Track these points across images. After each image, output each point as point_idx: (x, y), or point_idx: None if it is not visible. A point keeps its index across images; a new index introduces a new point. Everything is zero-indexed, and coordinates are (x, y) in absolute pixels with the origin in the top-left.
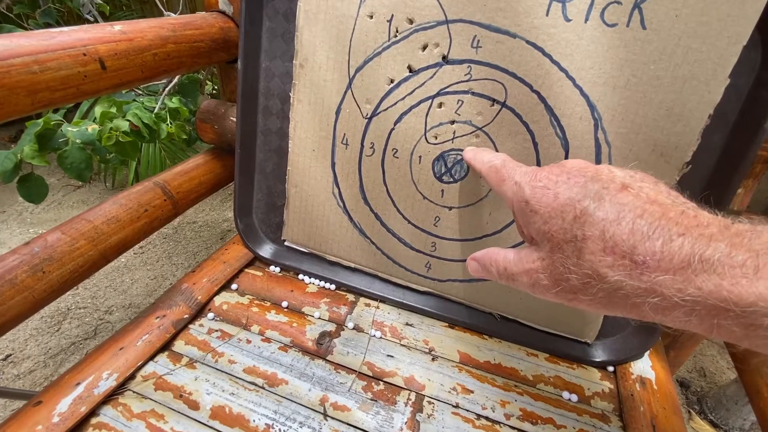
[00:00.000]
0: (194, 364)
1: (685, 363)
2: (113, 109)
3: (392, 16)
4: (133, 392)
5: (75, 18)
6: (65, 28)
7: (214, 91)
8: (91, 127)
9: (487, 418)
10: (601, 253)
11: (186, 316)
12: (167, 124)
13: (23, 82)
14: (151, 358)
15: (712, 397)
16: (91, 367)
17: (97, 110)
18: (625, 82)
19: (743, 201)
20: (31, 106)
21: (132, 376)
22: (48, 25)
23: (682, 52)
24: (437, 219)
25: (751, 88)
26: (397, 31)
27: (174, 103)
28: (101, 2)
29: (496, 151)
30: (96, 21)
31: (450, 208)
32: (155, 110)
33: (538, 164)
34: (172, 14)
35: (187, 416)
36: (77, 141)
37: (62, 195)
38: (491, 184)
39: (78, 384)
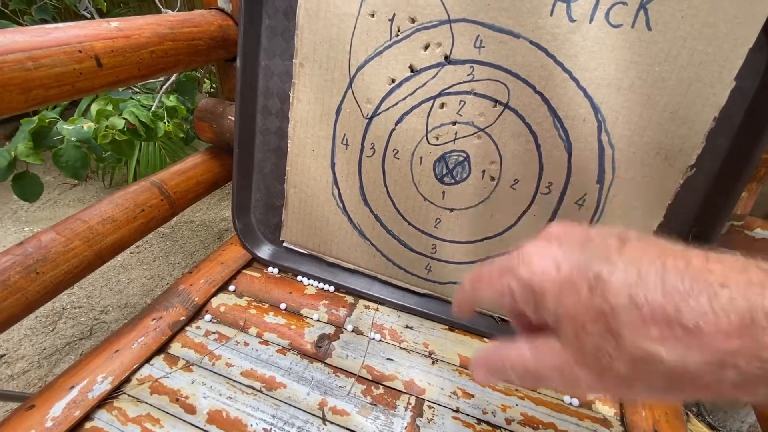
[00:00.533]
0: (191, 367)
1: None
2: (110, 107)
3: (394, 14)
4: (129, 396)
5: (72, 15)
6: (60, 24)
7: (212, 89)
8: (87, 125)
9: (488, 423)
10: (641, 326)
11: (183, 318)
12: (164, 123)
13: (16, 79)
14: (147, 360)
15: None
16: (85, 370)
17: (93, 108)
18: (629, 84)
19: (747, 205)
20: (25, 104)
21: (127, 380)
22: (44, 22)
23: (687, 53)
24: (438, 221)
25: (756, 90)
26: (398, 30)
27: (171, 101)
28: None
29: (499, 152)
30: (93, 18)
31: (451, 210)
32: (152, 108)
33: (541, 166)
34: (170, 11)
35: (184, 420)
36: (73, 139)
37: (58, 193)
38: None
39: (72, 387)
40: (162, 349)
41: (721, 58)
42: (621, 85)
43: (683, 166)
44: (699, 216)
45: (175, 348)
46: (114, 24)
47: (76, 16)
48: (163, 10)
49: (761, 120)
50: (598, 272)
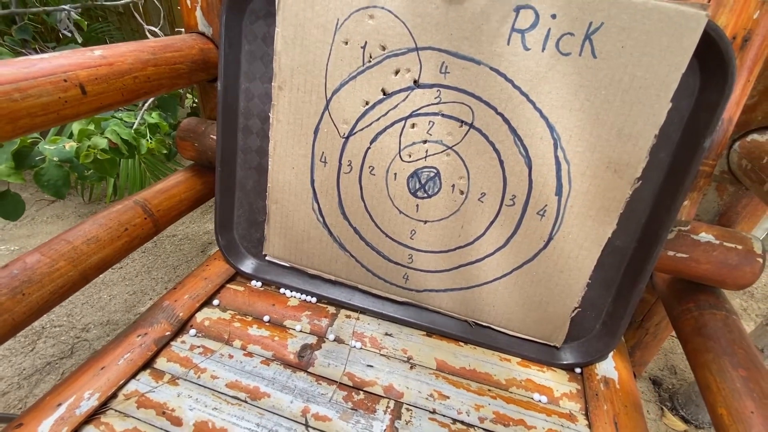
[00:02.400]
0: (176, 380)
1: (657, 361)
2: (91, 126)
3: (366, 42)
4: (116, 411)
5: (49, 31)
6: (45, 55)
7: (194, 105)
8: (69, 145)
9: (462, 422)
10: None
11: (168, 333)
12: (147, 140)
13: (4, 110)
14: (133, 376)
15: (682, 393)
16: (72, 387)
17: (75, 127)
18: (579, 105)
19: (690, 212)
20: (12, 133)
21: (114, 395)
22: (24, 42)
23: (629, 78)
24: (413, 232)
25: (691, 110)
26: (370, 57)
27: (153, 118)
28: (78, 18)
29: (466, 168)
30: (73, 36)
31: (425, 222)
32: (134, 126)
33: (505, 180)
34: (155, 28)
35: None
36: (55, 159)
37: (35, 210)
38: None
39: (59, 405)
40: (148, 364)
41: (658, 82)
42: (572, 107)
43: (631, 179)
44: (647, 223)
45: (161, 363)
46: (98, 52)
47: (53, 33)
48: (146, 27)
49: (697, 136)
50: None
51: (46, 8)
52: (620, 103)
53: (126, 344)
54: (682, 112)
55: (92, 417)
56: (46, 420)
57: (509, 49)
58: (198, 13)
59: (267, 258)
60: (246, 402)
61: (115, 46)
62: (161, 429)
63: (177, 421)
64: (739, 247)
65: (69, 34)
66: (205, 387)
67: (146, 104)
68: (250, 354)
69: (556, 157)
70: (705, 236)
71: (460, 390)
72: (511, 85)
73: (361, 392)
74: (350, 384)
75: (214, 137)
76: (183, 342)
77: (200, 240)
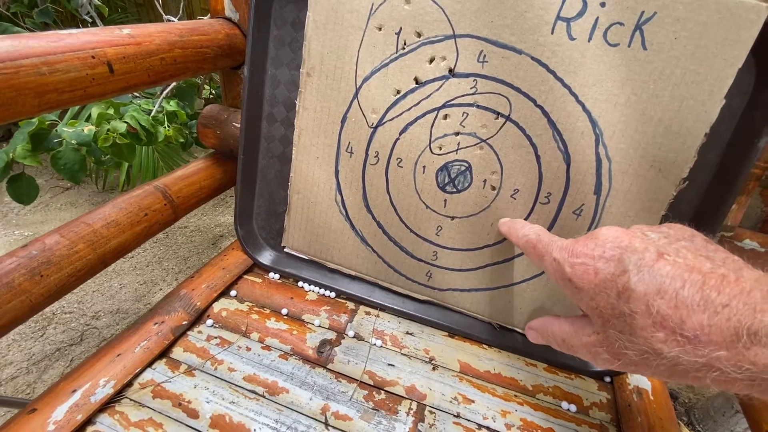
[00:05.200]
0: (193, 371)
1: None
2: (110, 111)
3: (401, 28)
4: (131, 400)
5: (70, 18)
6: (74, 30)
7: (212, 96)
8: (88, 128)
9: (488, 428)
10: (651, 329)
11: (185, 322)
12: (165, 127)
13: (31, 83)
14: (149, 365)
15: (699, 408)
16: (87, 373)
17: (94, 111)
18: (625, 100)
19: (737, 216)
20: (38, 108)
21: (129, 384)
22: (45, 25)
23: (680, 72)
24: (439, 228)
25: (744, 108)
26: (405, 44)
27: (172, 106)
28: (100, 3)
29: (500, 163)
30: (94, 22)
31: (452, 218)
32: (152, 113)
33: (540, 177)
34: (172, 18)
35: (186, 425)
36: (73, 142)
37: (50, 196)
38: (529, 257)
39: (74, 391)
40: (164, 353)
41: (712, 77)
42: (618, 101)
43: (676, 179)
44: (691, 226)
45: (177, 352)
46: (126, 31)
47: (74, 20)
48: (164, 17)
49: (749, 137)
50: (627, 282)
51: None
52: (669, 98)
53: (143, 332)
54: (735, 110)
55: (107, 405)
56: (61, 406)
57: (553, 38)
58: None
59: (286, 250)
60: (264, 397)
61: (143, 26)
62: (177, 420)
63: (194, 414)
64: None
65: (89, 20)
66: (222, 379)
67: (165, 92)
68: (267, 347)
69: (597, 154)
70: (749, 243)
71: (485, 394)
72: (553, 76)
73: (383, 392)
74: (371, 383)
75: (237, 125)
76: (200, 332)
77: (211, 232)
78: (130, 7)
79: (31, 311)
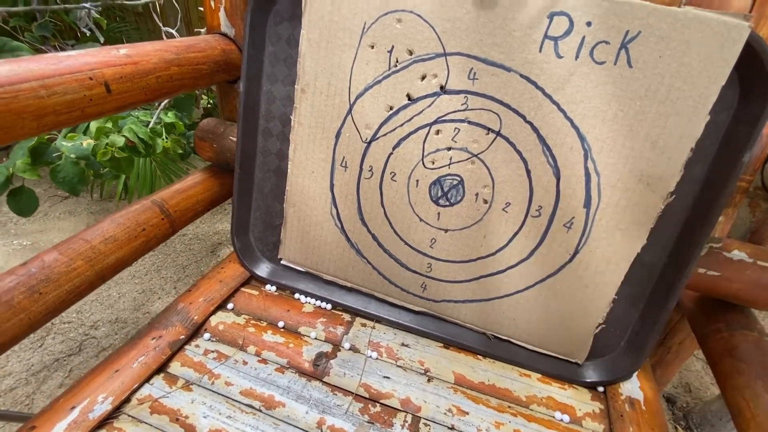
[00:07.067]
0: (190, 386)
1: (676, 374)
2: (109, 124)
3: (393, 46)
4: (129, 416)
5: (69, 29)
6: (72, 52)
7: (209, 105)
8: (86, 142)
9: None
10: None
11: (182, 336)
12: (163, 139)
13: (30, 106)
14: (147, 380)
15: (697, 412)
16: (86, 390)
17: (93, 125)
18: (613, 116)
19: (724, 228)
20: (37, 130)
21: (127, 399)
22: (44, 38)
23: (665, 89)
24: (433, 241)
25: (729, 123)
26: (397, 61)
27: (170, 117)
28: (98, 16)
29: (491, 177)
30: (93, 34)
31: (446, 231)
32: (150, 125)
33: (531, 191)
34: (170, 30)
35: None
36: (72, 155)
37: (48, 206)
38: None
39: (73, 408)
40: (162, 368)
41: (696, 94)
42: (605, 117)
43: (664, 193)
44: (679, 239)
45: (175, 367)
46: (123, 51)
47: (71, 31)
48: (163, 29)
49: (735, 151)
50: None
51: (66, 6)
52: (655, 114)
53: (140, 347)
54: (720, 125)
55: (105, 421)
56: (60, 423)
57: (541, 56)
58: (221, 14)
59: (282, 262)
60: (260, 411)
61: (140, 45)
62: None
63: (191, 429)
64: None
65: (88, 32)
66: (219, 394)
67: (162, 103)
68: (264, 360)
69: (586, 168)
70: (738, 254)
71: (479, 406)
72: (542, 93)
73: (378, 404)
74: (366, 395)
75: (233, 139)
76: (197, 346)
77: (210, 240)
78: (128, 16)
79: (30, 329)
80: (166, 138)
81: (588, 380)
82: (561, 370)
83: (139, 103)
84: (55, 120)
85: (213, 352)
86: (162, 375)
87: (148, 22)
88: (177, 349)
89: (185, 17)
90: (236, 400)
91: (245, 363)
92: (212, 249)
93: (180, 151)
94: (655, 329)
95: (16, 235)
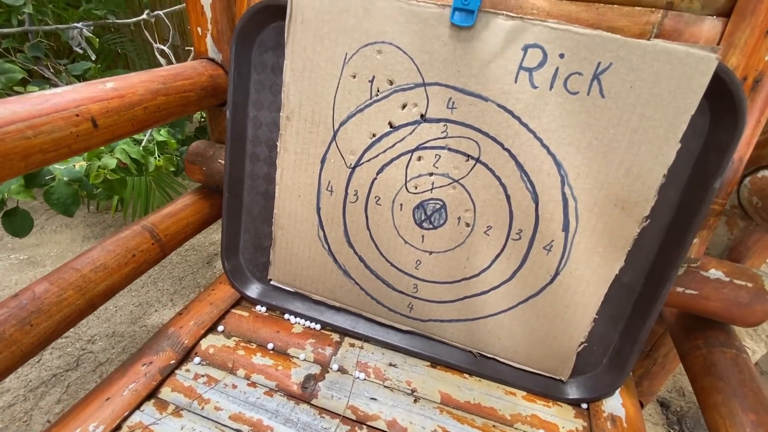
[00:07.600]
0: (180, 412)
1: (664, 383)
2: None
3: (374, 76)
4: None
5: (62, 49)
6: (58, 90)
7: (203, 119)
8: (79, 165)
9: None
10: None
11: (173, 362)
12: (155, 158)
13: (17, 148)
14: (138, 407)
15: (691, 417)
16: (78, 419)
17: None
18: (587, 144)
19: (699, 250)
20: (24, 169)
21: (118, 427)
22: (36, 59)
23: (637, 118)
24: (418, 262)
25: (700, 151)
26: (378, 91)
27: (162, 135)
28: (90, 35)
29: (472, 201)
30: (86, 53)
31: (430, 253)
32: (143, 143)
33: (511, 214)
34: (164, 47)
35: None
36: (65, 178)
37: (45, 219)
38: None
39: None
40: (152, 394)
41: (667, 122)
42: (580, 145)
43: (639, 217)
44: (656, 261)
45: (165, 393)
46: (110, 85)
47: (65, 50)
48: (155, 46)
49: (706, 177)
50: None
51: (59, 26)
52: (628, 142)
53: (131, 373)
54: (692, 152)
55: None
56: None
57: (517, 87)
58: (208, 40)
59: (272, 283)
60: None
61: (127, 77)
62: None
63: None
64: (750, 284)
65: (81, 51)
66: (208, 419)
67: None
68: (253, 384)
69: (563, 194)
70: (715, 273)
71: (464, 426)
72: (518, 122)
73: (365, 427)
74: (353, 418)
75: (222, 162)
76: (187, 371)
77: (206, 251)
78: (123, 28)
79: (22, 360)
80: (159, 156)
81: (572, 397)
82: (545, 388)
83: (127, 134)
84: (42, 158)
85: (203, 376)
86: (152, 401)
87: (143, 32)
88: (167, 374)
89: (179, 25)
90: (225, 425)
91: (235, 387)
92: (208, 260)
93: (173, 169)
94: (636, 347)
95: (13, 250)
